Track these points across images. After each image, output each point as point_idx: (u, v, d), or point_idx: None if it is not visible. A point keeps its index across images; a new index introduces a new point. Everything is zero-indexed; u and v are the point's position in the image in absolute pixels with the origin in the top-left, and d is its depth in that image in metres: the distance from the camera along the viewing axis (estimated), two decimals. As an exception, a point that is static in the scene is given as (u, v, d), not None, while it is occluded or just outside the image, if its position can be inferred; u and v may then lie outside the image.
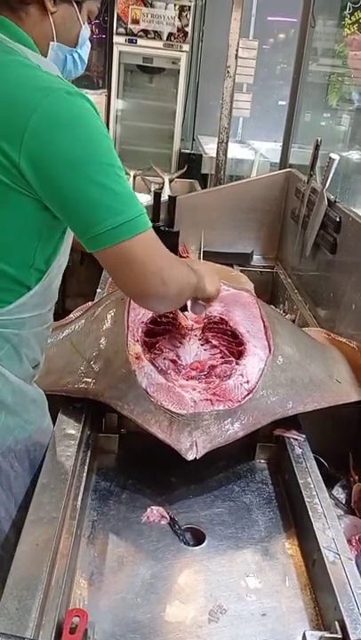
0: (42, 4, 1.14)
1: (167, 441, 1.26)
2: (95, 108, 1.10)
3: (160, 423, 1.28)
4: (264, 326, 1.57)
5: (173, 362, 1.46)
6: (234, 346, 1.52)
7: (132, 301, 1.60)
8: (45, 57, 1.18)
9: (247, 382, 1.38)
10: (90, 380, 1.43)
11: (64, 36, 1.21)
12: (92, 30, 5.43)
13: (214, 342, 1.54)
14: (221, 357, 1.49)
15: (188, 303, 1.48)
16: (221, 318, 1.59)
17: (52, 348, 1.61)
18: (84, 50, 1.29)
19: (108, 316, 1.58)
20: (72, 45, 1.23)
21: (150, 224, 1.12)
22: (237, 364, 1.43)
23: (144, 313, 1.56)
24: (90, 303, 1.90)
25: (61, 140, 1.02)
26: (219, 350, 1.51)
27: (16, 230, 1.11)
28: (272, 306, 2.03)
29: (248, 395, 1.35)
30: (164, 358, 1.45)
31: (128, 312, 1.54)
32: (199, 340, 1.55)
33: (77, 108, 1.05)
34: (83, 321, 1.66)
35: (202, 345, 1.54)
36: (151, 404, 1.31)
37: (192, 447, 1.25)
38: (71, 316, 1.85)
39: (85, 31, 1.25)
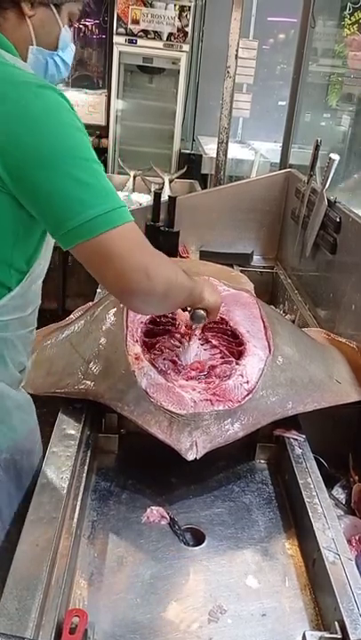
0: (19, 8, 1.14)
1: (167, 441, 1.26)
2: (69, 103, 1.07)
3: (160, 423, 1.28)
4: (264, 326, 1.57)
5: (173, 362, 1.45)
6: (234, 346, 1.52)
7: None
8: (25, 61, 1.17)
9: (247, 382, 1.38)
10: (90, 381, 1.42)
11: (44, 39, 1.20)
12: (91, 30, 5.43)
13: (214, 342, 1.54)
14: (221, 357, 1.48)
15: (187, 314, 1.46)
16: (222, 318, 1.59)
17: (52, 349, 1.61)
18: (68, 53, 1.28)
19: (107, 317, 1.57)
20: (52, 49, 1.22)
21: (131, 218, 1.08)
22: (237, 364, 1.43)
23: None
24: (90, 303, 1.90)
25: (31, 132, 1.00)
26: (219, 350, 1.51)
27: None
28: (272, 306, 2.03)
29: (248, 395, 1.35)
30: (164, 359, 1.45)
31: (127, 312, 1.53)
32: (199, 339, 1.55)
33: (48, 101, 1.03)
34: (82, 322, 1.65)
35: (202, 345, 1.54)
36: (151, 405, 1.31)
37: (192, 447, 1.25)
38: (71, 316, 1.85)
39: (66, 34, 1.24)
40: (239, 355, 1.47)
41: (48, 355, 1.60)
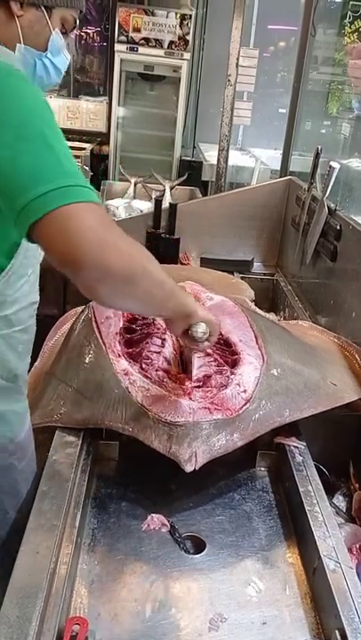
0: (8, 7, 1.15)
1: (168, 455, 1.25)
2: (40, 91, 1.06)
3: (160, 437, 1.27)
4: (255, 335, 1.56)
5: (166, 371, 1.43)
6: (228, 354, 1.51)
7: (97, 315, 1.53)
8: None
9: (244, 392, 1.37)
10: (85, 409, 1.38)
11: (32, 39, 1.21)
12: (93, 38, 5.46)
13: (208, 350, 1.53)
14: (217, 366, 1.47)
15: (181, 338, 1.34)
16: None
17: (38, 387, 1.54)
18: (60, 59, 1.28)
19: (82, 341, 1.51)
20: (41, 50, 1.23)
21: (97, 200, 1.01)
22: (233, 373, 1.42)
23: (114, 323, 1.52)
24: (74, 310, 1.78)
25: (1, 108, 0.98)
26: (213, 358, 1.50)
27: None
28: (257, 309, 1.97)
29: (246, 404, 1.35)
30: (157, 370, 1.42)
31: (98, 329, 1.49)
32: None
33: (18, 81, 1.02)
34: (60, 355, 1.57)
35: (195, 353, 1.51)
36: (149, 419, 1.29)
37: (191, 459, 1.24)
38: (43, 349, 1.73)
39: (58, 39, 1.25)
40: (233, 364, 1.46)
41: (36, 393, 1.52)
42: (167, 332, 1.52)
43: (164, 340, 1.52)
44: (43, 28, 1.21)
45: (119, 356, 1.43)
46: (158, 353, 1.48)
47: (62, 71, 1.32)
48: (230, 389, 1.37)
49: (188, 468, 1.23)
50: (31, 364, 1.38)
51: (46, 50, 1.24)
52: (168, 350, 1.50)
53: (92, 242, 0.96)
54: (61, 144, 1.01)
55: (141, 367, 1.43)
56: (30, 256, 1.19)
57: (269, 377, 1.43)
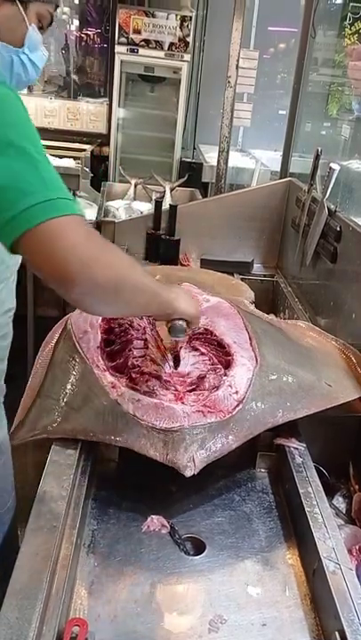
0: None
1: (165, 462, 1.24)
2: (20, 99, 1.04)
3: (155, 445, 1.26)
4: (249, 337, 1.56)
5: (157, 377, 1.42)
6: (221, 355, 1.51)
7: (75, 330, 1.52)
8: None
9: (236, 393, 1.37)
10: (74, 421, 1.36)
11: (7, 35, 1.20)
12: (93, 40, 5.45)
13: (203, 350, 1.52)
14: (211, 364, 1.47)
15: (167, 327, 1.38)
16: (206, 329, 1.57)
17: (27, 406, 1.50)
18: (37, 56, 1.27)
19: (65, 358, 1.50)
20: (17, 46, 1.22)
21: (81, 212, 1.02)
22: (225, 374, 1.42)
23: (93, 337, 1.51)
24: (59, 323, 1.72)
25: None
26: (208, 357, 1.50)
27: None
28: (256, 310, 1.97)
29: (238, 405, 1.34)
30: (147, 380, 1.41)
31: (78, 344, 1.48)
32: (186, 349, 1.52)
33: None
34: (45, 374, 1.54)
35: (189, 352, 1.52)
36: (143, 428, 1.28)
37: (189, 463, 1.23)
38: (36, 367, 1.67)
39: (35, 34, 1.24)
40: (227, 365, 1.46)
41: (26, 412, 1.49)
42: (147, 332, 1.53)
43: (146, 340, 1.52)
44: (19, 23, 1.21)
45: (104, 370, 1.42)
46: (143, 357, 1.47)
47: (40, 67, 1.31)
48: (222, 391, 1.36)
49: (188, 473, 1.23)
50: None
51: (23, 45, 1.23)
52: (152, 351, 1.49)
53: (80, 259, 0.97)
54: (42, 156, 1.01)
55: (130, 378, 1.41)
56: (11, 263, 1.18)
57: (262, 378, 1.43)
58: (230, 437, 1.31)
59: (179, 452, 1.25)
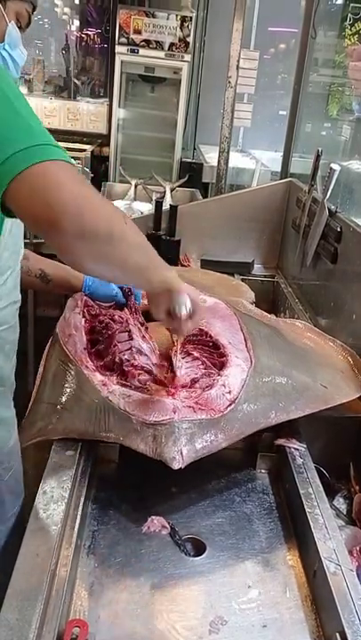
0: None
1: (154, 456, 1.24)
2: (5, 71, 1.04)
3: (145, 440, 1.26)
4: (244, 338, 1.56)
5: (148, 372, 1.42)
6: (215, 357, 1.51)
7: (60, 334, 1.53)
8: None
9: (229, 392, 1.36)
10: (69, 422, 1.37)
11: None
12: (93, 40, 5.45)
13: (196, 354, 1.52)
14: (204, 369, 1.47)
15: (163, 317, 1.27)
16: (201, 330, 1.57)
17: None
18: (17, 53, 1.28)
19: (55, 362, 1.52)
20: None
21: (69, 160, 0.99)
22: (219, 374, 1.42)
23: (78, 339, 1.52)
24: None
25: None
26: (201, 362, 1.49)
27: None
28: (253, 309, 1.96)
29: (230, 405, 1.34)
30: (139, 374, 1.41)
31: (66, 348, 1.49)
32: (180, 353, 1.52)
33: None
34: (42, 378, 1.56)
35: (183, 358, 1.51)
36: (134, 424, 1.28)
37: (177, 456, 1.23)
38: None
39: (14, 31, 1.25)
40: (221, 366, 1.46)
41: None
42: (130, 323, 1.52)
43: (129, 331, 1.52)
44: None
45: (94, 370, 1.43)
46: (130, 350, 1.47)
47: (20, 65, 1.31)
48: (215, 390, 1.36)
49: (175, 466, 1.22)
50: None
51: (3, 41, 1.24)
52: (137, 342, 1.49)
53: (68, 198, 0.93)
54: (26, 107, 1.00)
55: (122, 373, 1.41)
56: (13, 251, 1.18)
57: (256, 379, 1.43)
58: (220, 436, 1.30)
59: (167, 445, 1.24)
